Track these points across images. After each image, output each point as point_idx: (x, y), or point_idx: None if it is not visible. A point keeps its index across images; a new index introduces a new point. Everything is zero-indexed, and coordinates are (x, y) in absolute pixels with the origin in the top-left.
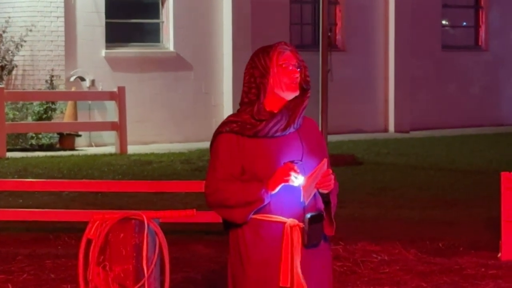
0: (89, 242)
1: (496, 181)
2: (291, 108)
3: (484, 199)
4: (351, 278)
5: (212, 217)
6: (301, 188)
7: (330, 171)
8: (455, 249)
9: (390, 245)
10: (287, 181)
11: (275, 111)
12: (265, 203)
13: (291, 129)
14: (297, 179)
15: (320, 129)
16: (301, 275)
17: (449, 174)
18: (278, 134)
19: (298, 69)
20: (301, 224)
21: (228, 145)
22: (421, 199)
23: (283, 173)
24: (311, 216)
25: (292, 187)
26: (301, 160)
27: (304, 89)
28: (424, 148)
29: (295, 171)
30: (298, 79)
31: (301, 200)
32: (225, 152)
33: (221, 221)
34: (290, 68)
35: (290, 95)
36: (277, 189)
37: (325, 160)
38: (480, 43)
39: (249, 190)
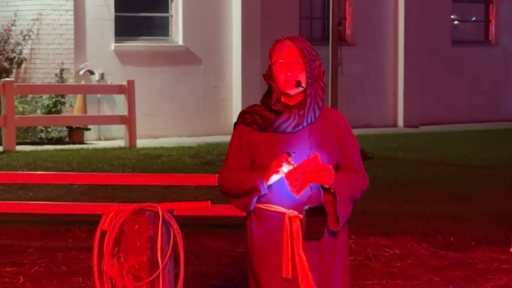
0: (103, 233)
1: (507, 176)
2: (302, 110)
3: (494, 194)
4: (363, 272)
5: (225, 210)
6: (286, 180)
7: (326, 165)
8: (467, 244)
9: (401, 239)
10: (277, 171)
11: (291, 104)
12: (262, 193)
13: (300, 128)
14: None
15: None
16: (306, 265)
17: (459, 169)
18: (288, 131)
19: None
20: (301, 216)
21: (239, 136)
22: (431, 194)
23: (276, 163)
24: (309, 209)
25: None
26: (294, 152)
27: (309, 84)
28: (434, 143)
29: (288, 162)
30: (293, 76)
31: (291, 192)
32: (235, 143)
33: (233, 214)
34: (283, 66)
35: (291, 92)
36: (271, 180)
37: (316, 155)
38: (490, 38)
39: (247, 180)
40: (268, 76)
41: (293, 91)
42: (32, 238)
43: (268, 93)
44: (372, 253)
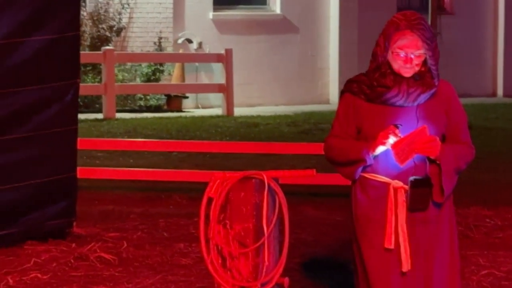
0: (209, 200)
1: None
2: (413, 88)
3: None
4: (464, 243)
5: (327, 179)
6: (392, 150)
7: (433, 137)
8: None
9: (503, 210)
10: (384, 143)
11: (403, 75)
12: (368, 163)
13: (407, 105)
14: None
15: None
16: (404, 237)
17: None
18: (396, 105)
19: (414, 56)
20: (406, 187)
21: (346, 104)
22: None
23: (383, 135)
24: (415, 180)
25: None
26: (402, 125)
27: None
28: None
29: (395, 134)
30: (412, 67)
31: (395, 162)
32: (342, 111)
33: (334, 183)
34: (404, 58)
35: (404, 75)
36: (377, 151)
37: (424, 127)
38: None
39: (354, 149)
40: (384, 55)
41: (407, 75)
42: (133, 204)
43: (373, 66)
44: (473, 224)
